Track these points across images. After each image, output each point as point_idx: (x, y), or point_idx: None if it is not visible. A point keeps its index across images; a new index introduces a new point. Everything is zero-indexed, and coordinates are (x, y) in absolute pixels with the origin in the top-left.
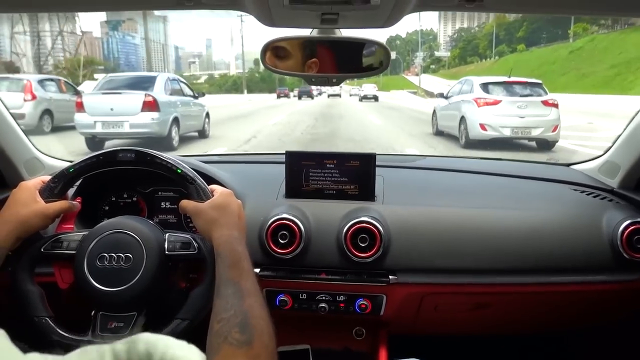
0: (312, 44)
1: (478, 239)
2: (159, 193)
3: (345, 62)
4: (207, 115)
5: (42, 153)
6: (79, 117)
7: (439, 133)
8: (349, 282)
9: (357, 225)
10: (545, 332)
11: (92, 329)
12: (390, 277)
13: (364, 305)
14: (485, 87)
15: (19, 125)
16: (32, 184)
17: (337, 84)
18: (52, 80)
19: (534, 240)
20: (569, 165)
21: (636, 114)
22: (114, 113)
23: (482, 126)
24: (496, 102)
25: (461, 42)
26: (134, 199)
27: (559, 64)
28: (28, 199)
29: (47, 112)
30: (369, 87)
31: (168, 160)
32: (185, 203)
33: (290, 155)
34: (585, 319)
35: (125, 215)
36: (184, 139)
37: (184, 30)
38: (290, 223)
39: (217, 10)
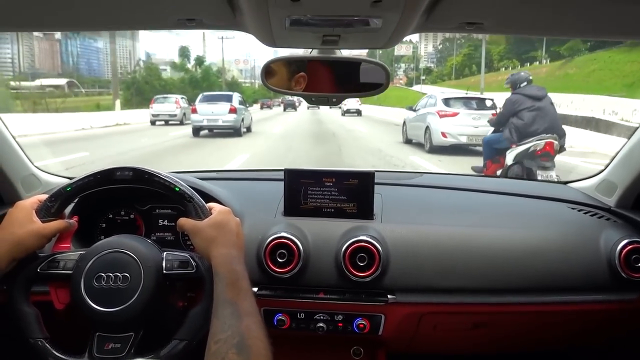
0: (312, 64)
1: (476, 258)
2: (157, 210)
3: (346, 81)
4: (251, 118)
5: (40, 169)
6: (194, 116)
7: (408, 141)
8: (347, 301)
9: (356, 245)
10: (545, 351)
11: (89, 350)
12: (388, 296)
13: (362, 325)
14: (446, 101)
15: (18, 142)
16: (29, 203)
17: (337, 103)
18: (183, 97)
19: (532, 259)
20: (566, 183)
21: (633, 133)
22: (213, 114)
23: (443, 134)
24: (455, 114)
25: (466, 48)
26: (132, 216)
27: None
28: (24, 218)
29: (183, 114)
30: (351, 101)
31: (166, 178)
32: (183, 221)
33: (289, 173)
34: (584, 339)
35: (123, 234)
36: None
37: (156, 35)
38: (289, 242)
39: (219, 30)
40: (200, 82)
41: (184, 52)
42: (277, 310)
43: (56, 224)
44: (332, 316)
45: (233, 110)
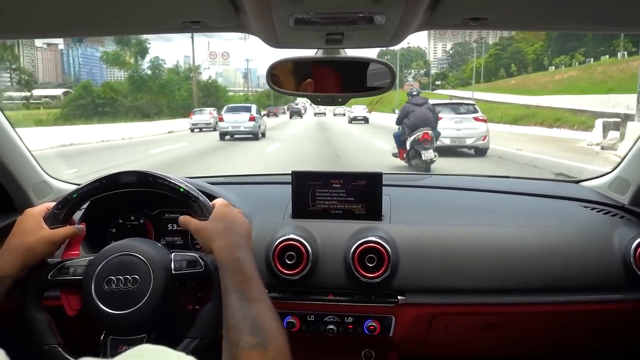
0: (317, 64)
1: (487, 258)
2: (166, 215)
3: (351, 81)
4: (265, 125)
5: (51, 176)
6: (221, 124)
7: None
8: (357, 303)
9: (365, 246)
10: (559, 354)
11: (103, 354)
12: (399, 297)
13: (372, 327)
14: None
15: (28, 149)
16: (37, 210)
17: (342, 103)
18: (214, 109)
19: (545, 259)
20: (578, 182)
21: None
22: (236, 122)
23: None
24: (439, 119)
25: (493, 48)
26: (141, 221)
27: None
28: (33, 226)
29: (216, 122)
30: (359, 108)
31: (170, 180)
32: (186, 219)
33: (297, 176)
34: (599, 340)
35: (130, 238)
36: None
37: (161, 46)
38: (297, 244)
39: (222, 32)
40: (148, 82)
41: (121, 41)
42: (286, 313)
43: (65, 230)
44: (342, 318)
45: (252, 119)
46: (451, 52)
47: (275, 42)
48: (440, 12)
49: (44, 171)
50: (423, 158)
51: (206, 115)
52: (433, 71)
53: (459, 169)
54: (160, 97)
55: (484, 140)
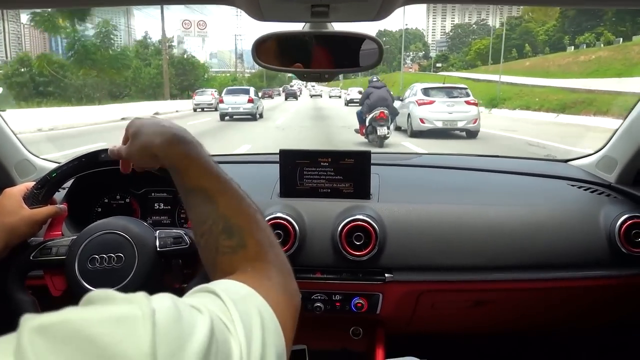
0: (303, 39)
1: (475, 235)
2: (152, 194)
3: (337, 57)
4: (263, 106)
5: (34, 155)
6: (221, 105)
7: (397, 129)
8: (344, 280)
9: (352, 224)
10: (545, 330)
11: None
12: (386, 275)
13: (360, 304)
14: (425, 91)
15: (9, 127)
16: (17, 190)
17: (330, 79)
18: (215, 90)
19: (532, 237)
20: (566, 161)
21: (632, 109)
22: (235, 104)
23: (422, 120)
24: (431, 102)
25: (499, 29)
26: (127, 200)
27: None
28: (13, 206)
29: (217, 103)
30: (354, 90)
31: None
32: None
33: (284, 154)
34: (585, 316)
35: (114, 216)
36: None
37: (153, 25)
38: (285, 222)
39: (206, 4)
40: (94, 53)
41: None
42: None
43: (46, 210)
44: (330, 296)
45: (250, 101)
46: (451, 33)
47: (259, 14)
48: None
49: (27, 149)
50: (378, 134)
51: (208, 96)
52: (432, 53)
53: None
54: (111, 74)
55: (474, 123)
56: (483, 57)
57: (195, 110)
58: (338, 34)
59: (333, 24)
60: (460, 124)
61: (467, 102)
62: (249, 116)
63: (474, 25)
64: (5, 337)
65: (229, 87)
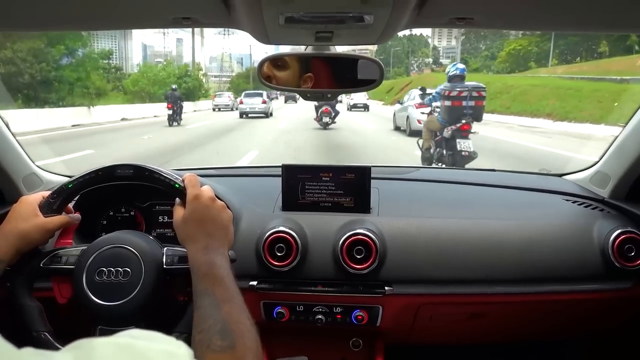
0: (307, 60)
1: (472, 249)
2: (157, 207)
3: (340, 77)
4: (273, 107)
5: (41, 169)
6: (241, 106)
7: (396, 128)
8: (345, 293)
9: (353, 238)
10: (541, 341)
11: None
12: (386, 288)
13: (360, 317)
14: (422, 96)
15: (17, 141)
16: (33, 198)
17: (332, 99)
18: (231, 93)
19: (528, 250)
20: (561, 175)
21: (625, 125)
22: (252, 104)
23: (419, 121)
24: (427, 106)
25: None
26: (132, 213)
27: None
28: (28, 213)
29: (233, 104)
30: (358, 95)
31: (166, 175)
32: (175, 211)
33: (287, 169)
34: (579, 327)
35: (124, 230)
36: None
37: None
38: (287, 236)
39: (214, 27)
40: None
41: None
42: (276, 303)
43: (59, 219)
44: (331, 308)
45: (264, 102)
46: (462, 38)
47: (265, 38)
48: (427, 12)
49: (34, 163)
50: (323, 120)
51: (225, 98)
52: (443, 60)
53: None
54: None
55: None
56: (518, 59)
57: (214, 110)
58: (340, 56)
59: (336, 46)
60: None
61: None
62: (263, 114)
63: (485, 31)
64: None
65: (246, 92)
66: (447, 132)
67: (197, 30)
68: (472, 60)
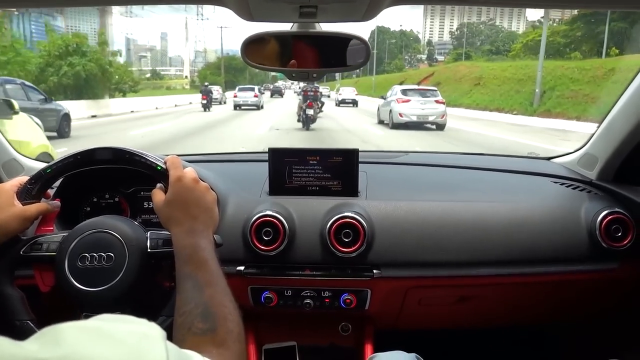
0: (291, 39)
1: (460, 232)
2: (141, 193)
3: (325, 57)
4: (264, 100)
5: (21, 154)
6: (235, 99)
7: (380, 122)
8: (333, 277)
9: (341, 221)
10: (530, 324)
11: None
12: (374, 271)
13: (348, 300)
14: (404, 91)
15: None
16: (9, 186)
17: (317, 79)
18: (218, 87)
19: (516, 232)
20: (549, 158)
21: (612, 108)
22: (245, 97)
23: (400, 115)
24: (408, 101)
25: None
26: (116, 199)
27: None
28: (5, 201)
29: (221, 97)
30: (347, 90)
31: (147, 157)
32: (154, 194)
33: (273, 152)
34: (568, 310)
35: (107, 215)
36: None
37: (135, 21)
38: (274, 220)
39: (196, 4)
40: None
41: None
42: (264, 288)
43: (38, 206)
44: (319, 292)
45: (256, 96)
46: (457, 33)
47: (248, 14)
48: None
49: (14, 149)
50: (307, 113)
51: (214, 92)
52: (438, 56)
53: None
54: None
55: (442, 117)
56: (534, 50)
57: (205, 109)
58: (325, 34)
59: (321, 24)
60: (430, 118)
61: (437, 101)
62: (255, 107)
63: (481, 26)
64: (42, 331)
65: (240, 86)
66: None
67: (182, 22)
68: (475, 55)
